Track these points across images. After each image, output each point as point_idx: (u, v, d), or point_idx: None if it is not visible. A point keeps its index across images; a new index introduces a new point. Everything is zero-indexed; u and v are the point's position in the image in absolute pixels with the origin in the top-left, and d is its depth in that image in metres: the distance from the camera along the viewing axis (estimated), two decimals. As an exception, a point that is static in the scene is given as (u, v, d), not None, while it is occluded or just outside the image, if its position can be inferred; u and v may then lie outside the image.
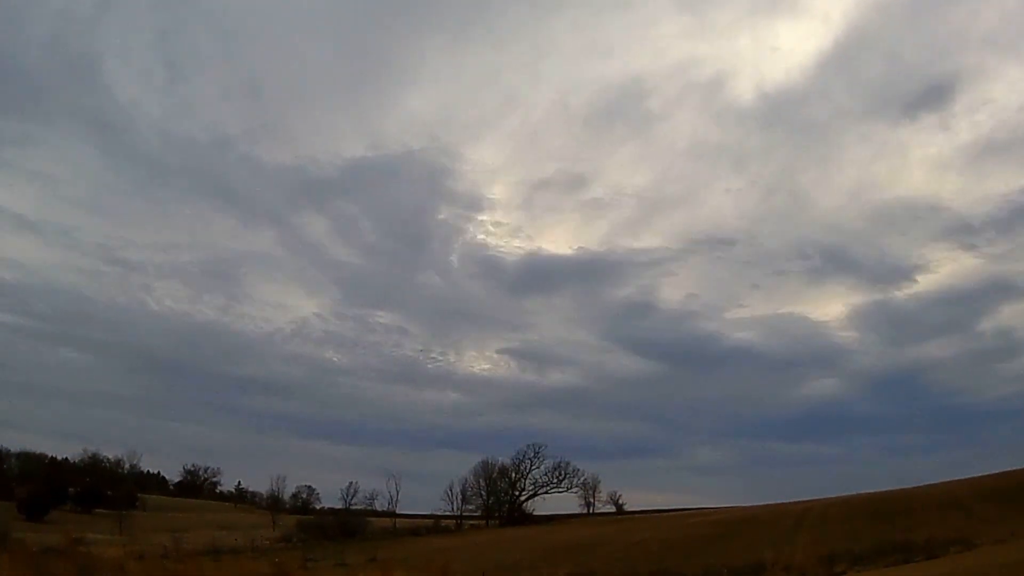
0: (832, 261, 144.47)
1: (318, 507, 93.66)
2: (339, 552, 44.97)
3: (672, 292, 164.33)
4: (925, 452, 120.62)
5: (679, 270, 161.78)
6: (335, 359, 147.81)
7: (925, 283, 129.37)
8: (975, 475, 51.04)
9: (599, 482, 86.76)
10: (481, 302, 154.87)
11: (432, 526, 76.00)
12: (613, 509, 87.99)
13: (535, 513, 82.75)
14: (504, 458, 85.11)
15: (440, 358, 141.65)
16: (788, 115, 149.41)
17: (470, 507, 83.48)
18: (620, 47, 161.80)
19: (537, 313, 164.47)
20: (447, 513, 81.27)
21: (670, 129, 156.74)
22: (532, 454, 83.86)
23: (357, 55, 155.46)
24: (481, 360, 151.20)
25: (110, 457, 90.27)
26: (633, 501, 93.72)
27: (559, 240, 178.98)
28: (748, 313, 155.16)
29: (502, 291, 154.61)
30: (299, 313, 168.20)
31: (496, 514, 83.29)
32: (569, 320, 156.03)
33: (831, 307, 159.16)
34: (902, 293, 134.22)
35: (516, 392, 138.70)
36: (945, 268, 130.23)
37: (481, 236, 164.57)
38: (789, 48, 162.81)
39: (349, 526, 68.71)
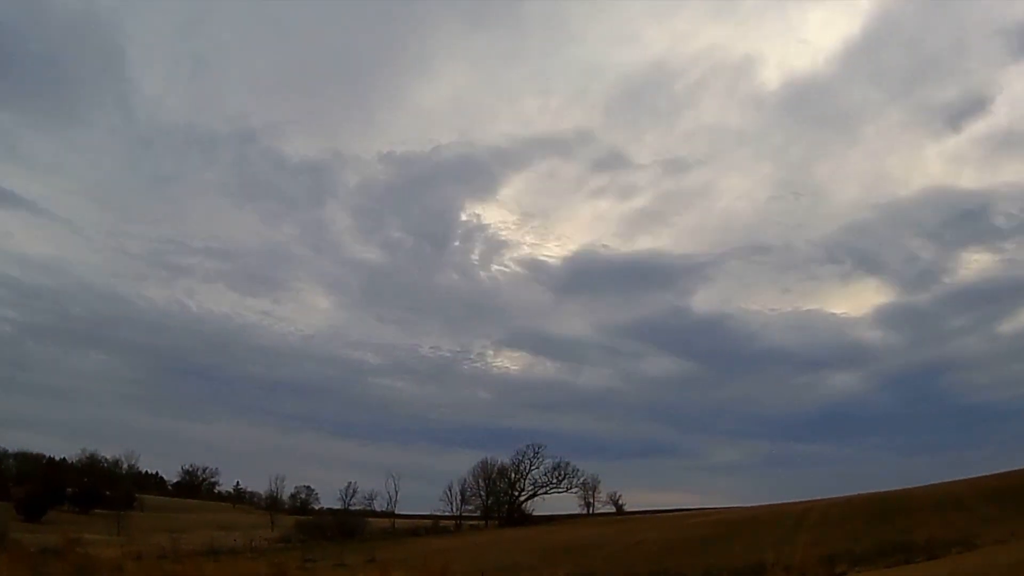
0: (856, 260, 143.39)
1: (317, 507, 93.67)
2: (338, 553, 44.81)
3: (702, 293, 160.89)
4: (944, 451, 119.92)
5: (708, 270, 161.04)
6: (370, 360, 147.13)
7: (949, 284, 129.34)
8: (978, 475, 50.86)
9: (599, 482, 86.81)
10: (509, 302, 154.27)
11: (431, 527, 75.89)
12: (613, 509, 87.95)
13: (534, 513, 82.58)
14: (504, 458, 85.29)
15: (476, 359, 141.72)
16: (814, 104, 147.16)
17: (469, 507, 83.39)
18: (644, 33, 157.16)
19: (565, 314, 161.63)
20: (446, 514, 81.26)
21: (694, 118, 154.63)
22: (532, 454, 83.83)
23: (374, 46, 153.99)
24: (509, 361, 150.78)
25: (108, 457, 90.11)
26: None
27: (579, 238, 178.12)
28: (773, 312, 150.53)
29: (532, 291, 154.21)
30: (322, 314, 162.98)
31: (495, 514, 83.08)
32: (598, 320, 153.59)
33: (856, 307, 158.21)
34: (927, 294, 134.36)
35: (545, 393, 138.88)
36: (969, 269, 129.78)
37: (504, 233, 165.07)
38: (815, 34, 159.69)
39: (348, 526, 68.57)
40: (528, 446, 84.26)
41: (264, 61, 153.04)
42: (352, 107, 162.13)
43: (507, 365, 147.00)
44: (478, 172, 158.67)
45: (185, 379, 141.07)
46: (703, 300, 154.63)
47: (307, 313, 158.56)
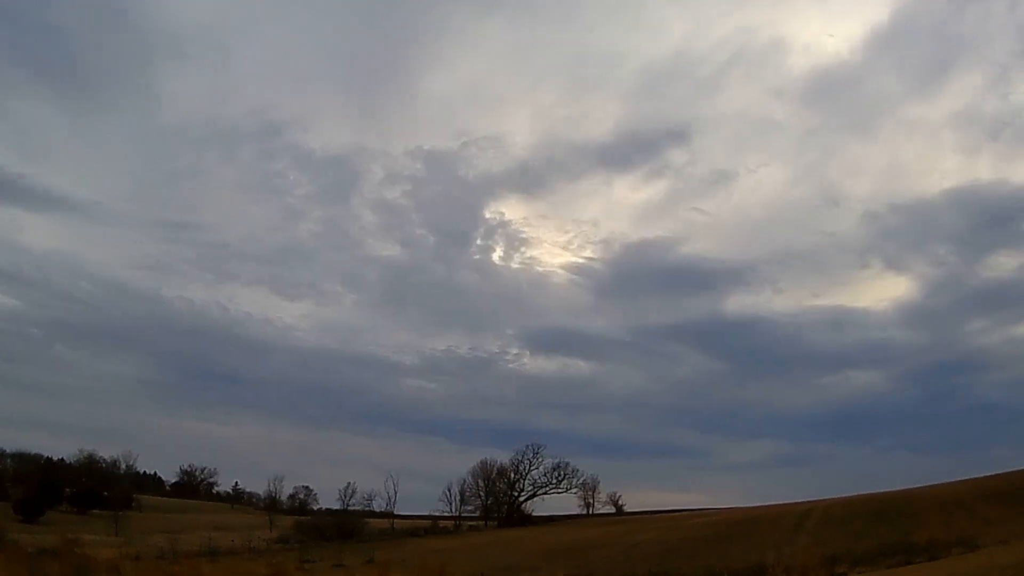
0: (883, 259, 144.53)
1: (315, 508, 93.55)
2: (336, 553, 44.68)
3: (730, 292, 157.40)
4: (963, 450, 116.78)
5: (736, 270, 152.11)
6: (403, 361, 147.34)
7: (972, 285, 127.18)
8: (982, 475, 50.65)
9: (598, 482, 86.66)
10: (536, 302, 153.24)
11: (430, 527, 75.71)
12: (612, 510, 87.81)
13: (534, 514, 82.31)
14: (503, 458, 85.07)
15: (511, 360, 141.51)
16: (839, 95, 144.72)
17: (468, 508, 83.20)
18: (667, 20, 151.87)
19: (592, 314, 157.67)
20: (445, 514, 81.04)
21: (720, 108, 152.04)
22: (531, 454, 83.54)
23: (397, 35, 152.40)
24: (537, 361, 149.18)
25: (106, 457, 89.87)
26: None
27: (606, 234, 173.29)
28: (799, 312, 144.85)
29: (560, 291, 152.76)
30: (347, 313, 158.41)
31: (495, 515, 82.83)
32: (627, 321, 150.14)
33: (881, 307, 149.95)
34: (951, 295, 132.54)
35: (571, 393, 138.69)
36: (994, 270, 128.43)
37: (527, 231, 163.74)
38: (840, 21, 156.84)
39: (347, 527, 68.36)
40: (528, 446, 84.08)
41: (287, 52, 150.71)
42: (377, 99, 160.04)
43: (534, 365, 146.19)
44: (506, 168, 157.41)
45: (210, 381, 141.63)
46: (733, 300, 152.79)
47: (333, 312, 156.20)
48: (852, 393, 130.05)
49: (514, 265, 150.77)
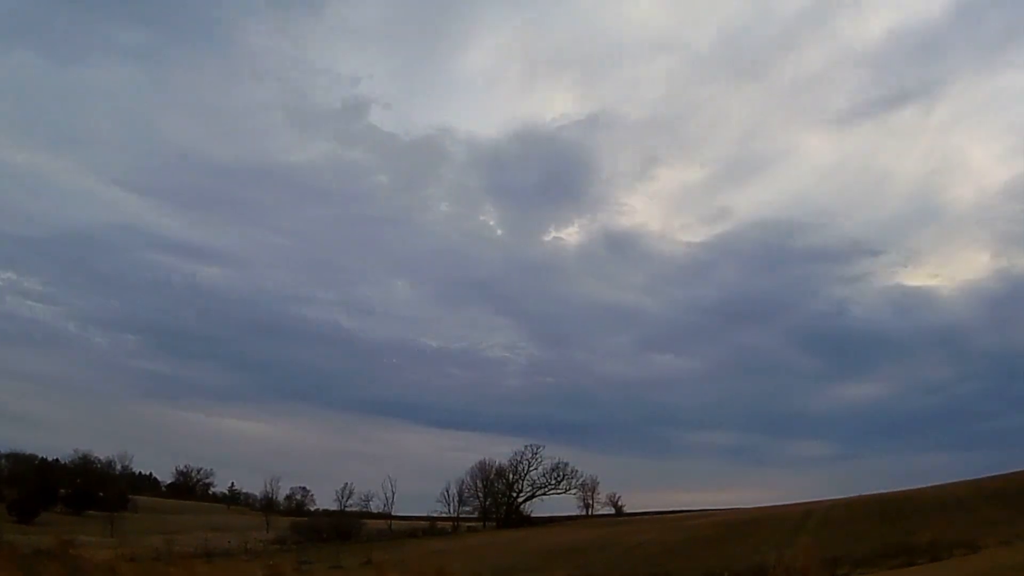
0: (969, 248, 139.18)
1: (313, 509, 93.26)
2: (334, 554, 44.41)
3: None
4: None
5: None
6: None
7: None
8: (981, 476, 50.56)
9: (598, 483, 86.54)
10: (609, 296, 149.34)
11: (428, 528, 75.41)
12: (612, 511, 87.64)
13: (533, 515, 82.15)
14: (503, 458, 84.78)
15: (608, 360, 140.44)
16: (923, 60, 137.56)
17: (467, 509, 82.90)
18: None
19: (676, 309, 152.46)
20: (443, 515, 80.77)
21: (787, 76, 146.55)
22: (530, 455, 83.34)
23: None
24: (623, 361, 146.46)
25: (101, 458, 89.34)
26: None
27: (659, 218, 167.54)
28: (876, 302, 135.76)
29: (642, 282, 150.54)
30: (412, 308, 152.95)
31: (493, 516, 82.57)
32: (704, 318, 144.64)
33: (964, 302, 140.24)
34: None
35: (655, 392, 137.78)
36: None
37: (603, 215, 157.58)
38: None
39: (344, 528, 68.15)
40: (527, 446, 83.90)
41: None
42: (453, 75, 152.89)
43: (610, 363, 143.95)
44: (578, 148, 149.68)
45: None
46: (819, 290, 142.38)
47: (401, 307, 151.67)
48: (930, 389, 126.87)
49: (603, 252, 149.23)
